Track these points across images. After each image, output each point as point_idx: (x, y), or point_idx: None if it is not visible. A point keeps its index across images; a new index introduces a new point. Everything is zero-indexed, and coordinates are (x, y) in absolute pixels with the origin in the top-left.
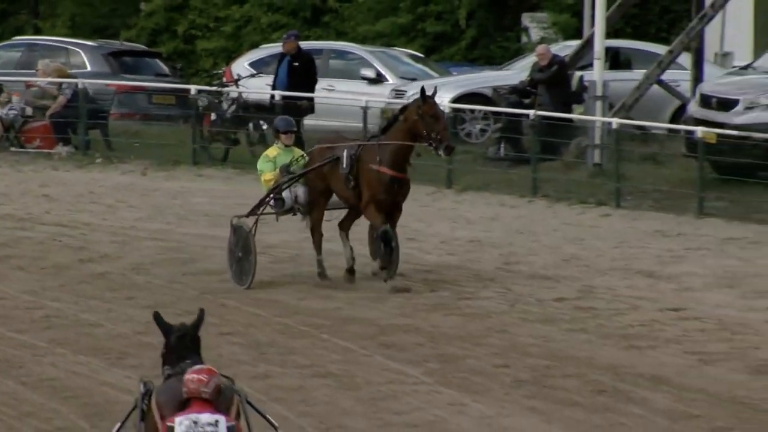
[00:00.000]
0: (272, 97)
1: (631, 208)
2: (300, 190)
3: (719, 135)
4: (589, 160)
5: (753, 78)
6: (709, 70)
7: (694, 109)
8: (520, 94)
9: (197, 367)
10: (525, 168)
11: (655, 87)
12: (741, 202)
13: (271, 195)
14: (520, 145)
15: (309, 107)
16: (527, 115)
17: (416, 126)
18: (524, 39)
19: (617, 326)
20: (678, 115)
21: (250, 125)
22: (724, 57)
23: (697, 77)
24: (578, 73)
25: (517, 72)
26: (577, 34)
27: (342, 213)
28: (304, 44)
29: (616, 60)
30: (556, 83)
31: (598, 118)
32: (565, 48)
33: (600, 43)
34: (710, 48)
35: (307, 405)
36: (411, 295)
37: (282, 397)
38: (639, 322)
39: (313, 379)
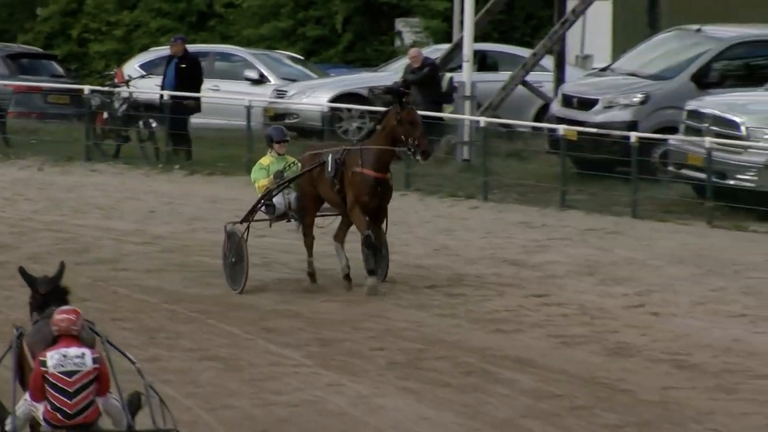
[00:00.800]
0: (161, 96)
1: (498, 201)
2: (293, 197)
3: (580, 132)
4: (458, 156)
5: (611, 79)
6: (571, 71)
7: (556, 108)
8: (394, 94)
9: (64, 308)
10: (398, 163)
11: (521, 87)
12: (600, 195)
13: (262, 201)
14: None
15: (195, 106)
16: None
17: (395, 131)
18: (398, 43)
19: (485, 311)
20: (541, 114)
21: (140, 123)
22: (584, 59)
23: (560, 78)
24: (448, 75)
25: (391, 73)
26: (447, 38)
27: (337, 219)
28: (191, 47)
29: (483, 62)
30: (428, 84)
31: (466, 117)
32: (436, 51)
33: (468, 47)
34: (571, 51)
35: (194, 386)
36: (291, 282)
37: (170, 378)
38: (505, 307)
39: (199, 362)
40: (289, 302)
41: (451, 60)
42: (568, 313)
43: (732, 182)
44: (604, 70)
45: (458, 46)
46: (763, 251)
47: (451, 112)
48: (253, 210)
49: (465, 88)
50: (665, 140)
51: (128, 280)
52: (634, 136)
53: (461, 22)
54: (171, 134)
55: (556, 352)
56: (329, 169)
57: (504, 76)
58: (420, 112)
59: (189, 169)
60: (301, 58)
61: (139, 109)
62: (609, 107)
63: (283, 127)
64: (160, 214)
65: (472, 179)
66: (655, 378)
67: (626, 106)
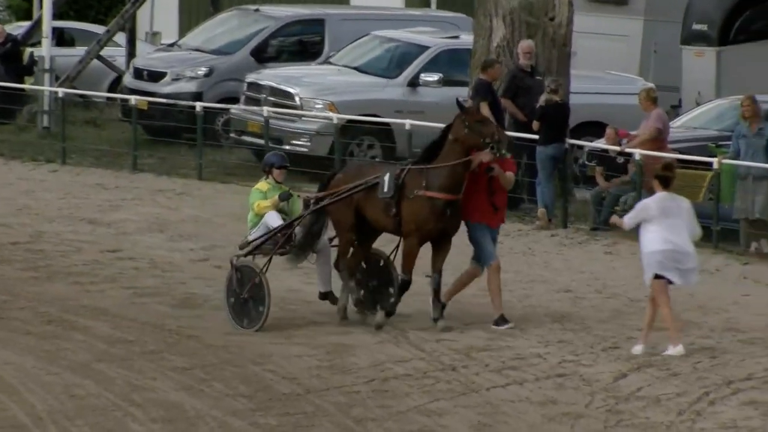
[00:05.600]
0: None
1: (75, 164)
2: (297, 230)
3: (150, 102)
4: (39, 124)
5: (178, 54)
6: (141, 47)
7: (128, 80)
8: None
9: None
10: None
11: (96, 61)
12: (169, 159)
13: (280, 230)
14: None
15: None
16: None
17: (469, 139)
18: None
19: (63, 266)
20: (115, 85)
21: None
22: (153, 36)
23: (131, 53)
24: (29, 49)
25: None
26: (27, 15)
27: None
28: None
29: (61, 38)
30: (11, 58)
31: (46, 88)
32: (18, 28)
33: (47, 24)
34: (142, 28)
35: None
36: None
37: None
38: (82, 261)
39: None
40: None
41: (32, 36)
42: (140, 266)
43: (288, 147)
44: (171, 45)
45: (38, 23)
46: None
47: (32, 84)
48: (265, 241)
49: (45, 62)
50: (227, 109)
51: None
52: (199, 105)
53: (41, 1)
54: None
55: (129, 302)
56: (385, 189)
57: (80, 51)
58: (4, 84)
59: None
60: None
61: None
62: (176, 79)
63: (283, 154)
64: None
65: (51, 145)
66: (220, 325)
67: (192, 78)
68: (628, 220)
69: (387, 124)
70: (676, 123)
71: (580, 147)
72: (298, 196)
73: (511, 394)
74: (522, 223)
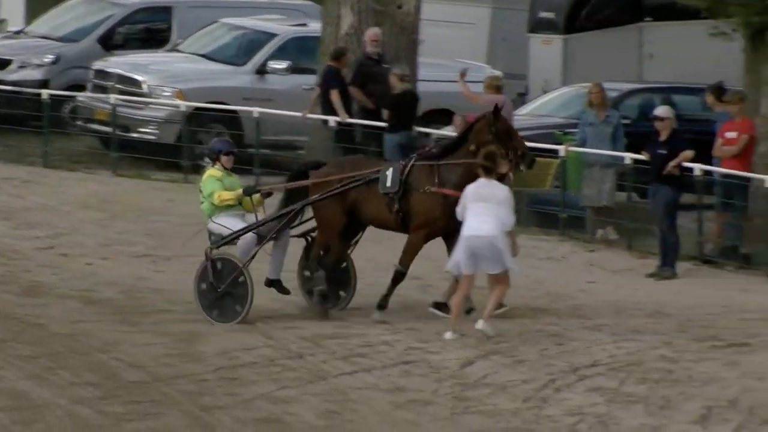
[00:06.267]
0: None
1: None
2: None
3: None
4: None
5: (25, 41)
6: None
7: None
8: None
9: None
10: None
11: None
12: (15, 147)
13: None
14: None
15: None
16: None
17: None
18: None
19: None
20: None
21: None
22: (0, 23)
23: None
24: None
25: None
26: None
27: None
28: None
29: None
30: None
31: None
32: None
33: None
34: None
35: None
36: None
37: None
38: None
39: None
40: None
41: None
42: None
43: (135, 135)
44: (18, 33)
45: None
46: (164, 197)
47: None
48: (240, 233)
49: None
50: (74, 97)
51: None
52: (45, 93)
53: None
54: None
55: None
56: (388, 184)
57: None
58: None
59: None
60: None
61: None
62: (23, 67)
63: (229, 140)
64: None
65: None
66: (66, 313)
67: (38, 66)
68: (457, 209)
69: (235, 111)
70: (523, 111)
71: (428, 134)
72: (270, 194)
73: (359, 382)
74: None
